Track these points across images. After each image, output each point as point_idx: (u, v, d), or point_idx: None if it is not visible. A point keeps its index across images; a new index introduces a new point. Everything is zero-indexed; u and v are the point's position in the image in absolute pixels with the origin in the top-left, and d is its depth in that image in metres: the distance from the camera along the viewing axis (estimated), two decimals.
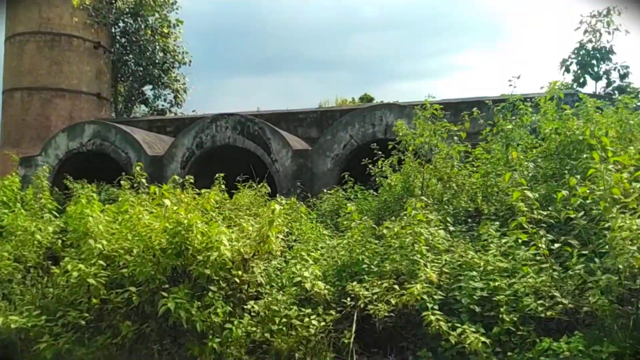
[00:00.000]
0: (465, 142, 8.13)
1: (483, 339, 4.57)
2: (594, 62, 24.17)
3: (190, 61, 23.79)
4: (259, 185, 9.39)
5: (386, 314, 4.97)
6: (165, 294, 4.85)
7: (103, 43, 21.41)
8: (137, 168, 7.48)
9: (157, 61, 22.44)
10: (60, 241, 7.34)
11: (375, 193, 9.45)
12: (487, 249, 5.92)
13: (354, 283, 5.60)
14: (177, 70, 23.85)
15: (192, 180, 8.13)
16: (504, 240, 5.80)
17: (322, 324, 5.24)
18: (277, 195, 10.16)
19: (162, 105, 24.13)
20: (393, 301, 4.98)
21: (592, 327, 4.51)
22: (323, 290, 5.46)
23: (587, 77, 19.20)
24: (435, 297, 5.10)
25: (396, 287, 5.19)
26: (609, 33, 17.17)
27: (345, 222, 6.97)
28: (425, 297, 5.01)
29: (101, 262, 5.24)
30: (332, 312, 5.34)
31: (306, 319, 5.18)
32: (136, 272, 5.07)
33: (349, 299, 5.45)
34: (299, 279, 5.67)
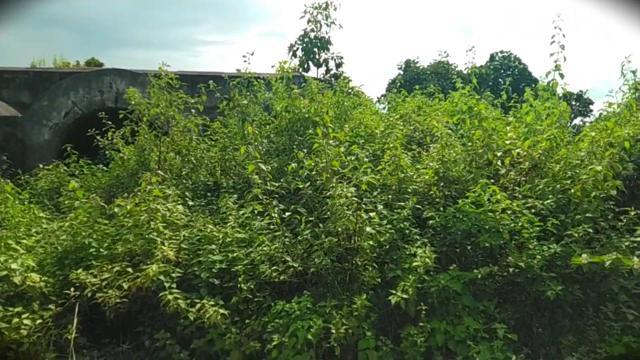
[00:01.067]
0: (203, 116, 8.00)
1: (222, 310, 4.59)
2: (316, 50, 27.24)
3: None
4: None
5: (118, 300, 4.50)
6: None
7: None
8: None
9: None
10: None
11: (105, 168, 8.53)
12: (226, 222, 5.97)
13: (79, 270, 4.91)
14: None
15: None
16: (241, 212, 5.93)
17: (38, 322, 4.43)
18: None
19: None
20: (125, 285, 4.55)
21: (318, 285, 5.03)
22: (38, 282, 4.61)
23: (310, 63, 21.47)
24: (173, 275, 4.87)
25: (129, 269, 4.76)
26: (327, 25, 19.49)
27: (67, 202, 6.04)
28: (162, 277, 4.73)
29: None
30: (52, 306, 4.56)
31: (15, 320, 4.29)
32: None
33: (72, 289, 4.75)
34: (4, 272, 4.64)
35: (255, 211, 5.76)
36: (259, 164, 5.10)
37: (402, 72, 32.53)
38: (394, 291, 4.50)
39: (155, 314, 5.09)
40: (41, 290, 4.69)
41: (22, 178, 8.77)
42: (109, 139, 8.34)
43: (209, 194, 7.59)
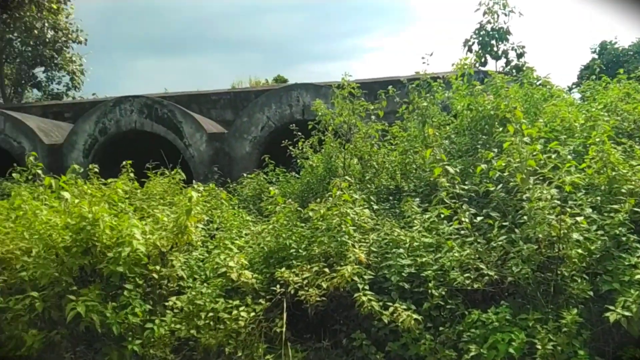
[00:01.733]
0: (383, 121, 8.16)
1: (415, 315, 4.59)
2: (493, 42, 25.67)
3: (85, 40, 21.88)
4: (173, 172, 8.82)
5: (317, 298, 4.82)
6: (73, 297, 4.32)
7: None
8: (31, 158, 6.65)
9: (47, 40, 20.35)
10: None
11: (297, 175, 9.27)
12: (411, 226, 5.97)
13: (283, 269, 5.40)
14: (71, 50, 21.82)
15: (96, 170, 7.44)
16: (426, 216, 5.87)
17: (252, 314, 5.00)
18: (193, 182, 9.64)
19: (58, 89, 22.04)
20: (324, 285, 4.84)
21: (516, 296, 4.70)
22: (250, 279, 5.20)
23: (488, 56, 20.30)
24: (365, 277, 5.04)
25: (326, 270, 5.06)
26: (505, 14, 18.20)
27: (269, 207, 6.71)
28: (355, 278, 4.93)
29: None
30: (262, 301, 5.10)
31: (234, 311, 4.91)
32: (37, 274, 4.47)
33: (278, 286, 5.24)
34: (223, 269, 5.35)
35: (442, 215, 5.65)
36: (446, 167, 4.98)
37: (597, 56, 28.74)
38: (611, 307, 3.96)
39: (350, 314, 5.33)
40: (253, 286, 5.28)
41: (230, 186, 10.06)
42: (300, 148, 9.07)
43: (390, 198, 7.71)
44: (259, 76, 22.43)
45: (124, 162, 8.03)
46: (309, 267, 5.22)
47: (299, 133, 9.07)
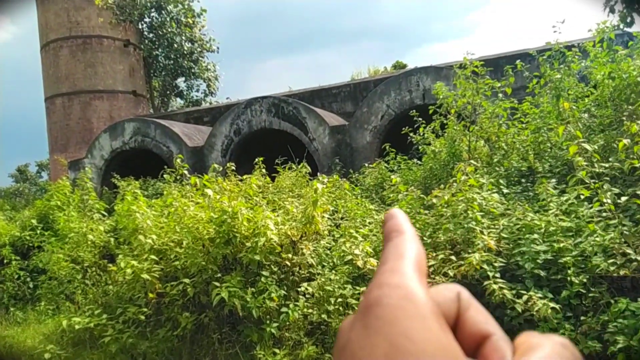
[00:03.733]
0: (510, 99, 7.68)
1: (552, 304, 4.31)
2: None
3: (217, 48, 23.81)
4: (299, 166, 9.28)
5: None
6: (217, 284, 4.83)
7: (132, 40, 21.70)
8: (178, 160, 7.49)
9: (185, 52, 22.55)
10: (113, 239, 7.51)
11: (419, 162, 9.16)
12: (546, 209, 5.58)
13: None
14: (206, 59, 23.94)
15: (233, 168, 8.11)
16: (564, 198, 5.44)
17: None
18: (318, 174, 10.03)
19: (197, 96, 24.35)
20: (451, 273, 4.76)
21: None
22: (376, 266, 5.29)
23: (635, 15, 17.96)
24: (495, 264, 4.84)
25: (453, 257, 4.96)
26: None
27: (391, 195, 6.75)
28: (485, 265, 4.76)
29: (153, 256, 5.27)
30: None
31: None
32: (188, 263, 5.07)
33: None
34: (349, 257, 5.53)
35: (581, 197, 5.20)
36: (582, 144, 4.56)
37: None
38: None
39: (479, 303, 5.17)
40: None
41: (353, 176, 10.28)
42: (421, 134, 8.94)
43: (522, 180, 7.25)
44: (377, 64, 22.39)
45: (256, 159, 8.66)
46: (434, 254, 5.16)
47: (420, 118, 8.93)
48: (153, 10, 22.00)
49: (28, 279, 8.99)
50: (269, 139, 14.57)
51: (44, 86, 21.49)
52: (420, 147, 8.85)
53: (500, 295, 4.54)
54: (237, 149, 14.27)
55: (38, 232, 8.83)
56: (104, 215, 7.70)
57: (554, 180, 6.36)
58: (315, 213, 5.11)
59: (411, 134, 9.14)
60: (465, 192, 5.42)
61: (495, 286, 4.57)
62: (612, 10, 21.62)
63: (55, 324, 7.16)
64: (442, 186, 6.25)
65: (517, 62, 7.36)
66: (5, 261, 9.10)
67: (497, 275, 4.76)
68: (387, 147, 9.75)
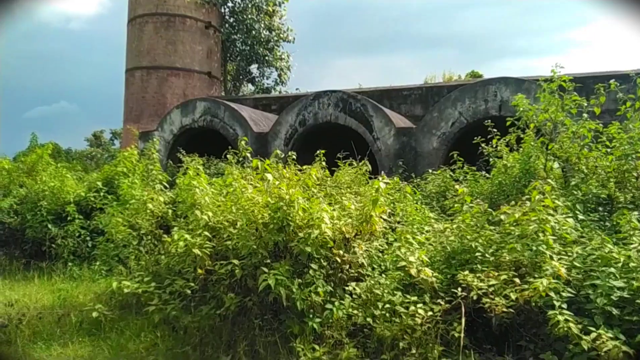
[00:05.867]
0: (597, 120, 7.10)
1: (625, 347, 3.88)
2: None
3: (294, 39, 24.00)
4: (360, 164, 9.08)
5: (504, 309, 4.42)
6: (266, 269, 4.74)
7: (213, 23, 22.26)
8: (242, 142, 7.51)
9: (262, 39, 22.88)
10: (170, 211, 7.65)
11: (487, 175, 8.70)
12: (625, 242, 5.09)
13: (466, 272, 5.09)
14: (281, 48, 24.18)
15: (294, 157, 8.04)
16: None
17: (429, 313, 4.82)
18: (381, 173, 9.78)
19: (267, 84, 24.68)
20: (513, 296, 4.40)
21: None
22: (431, 277, 5.02)
23: None
24: (563, 294, 4.44)
25: (516, 280, 4.60)
26: None
27: (455, 205, 6.40)
28: (551, 293, 4.37)
29: (206, 233, 5.27)
30: (441, 302, 4.89)
31: (412, 307, 4.80)
32: (239, 245, 5.02)
33: (459, 289, 4.96)
34: (403, 263, 5.28)
35: None
36: None
37: None
38: None
39: (538, 332, 4.78)
40: (432, 284, 5.10)
41: (414, 181, 9.94)
42: (494, 146, 8.47)
43: (599, 209, 6.70)
44: (452, 72, 21.73)
45: (317, 152, 8.55)
46: (496, 274, 4.81)
47: (495, 130, 8.48)
48: None
49: (88, 238, 9.38)
50: (333, 133, 14.46)
51: (127, 58, 22.51)
52: (490, 159, 8.39)
53: (565, 328, 4.15)
54: (300, 140, 14.28)
55: (102, 194, 9.19)
56: (165, 187, 7.87)
57: (635, 212, 5.83)
58: (374, 212, 4.90)
59: (483, 145, 8.70)
60: (539, 212, 5.01)
61: (560, 317, 4.17)
62: None
63: (107, 284, 7.41)
64: (512, 202, 5.84)
65: (611, 81, 6.74)
66: (69, 218, 9.55)
67: (564, 306, 4.36)
68: (454, 155, 9.34)
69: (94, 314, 5.77)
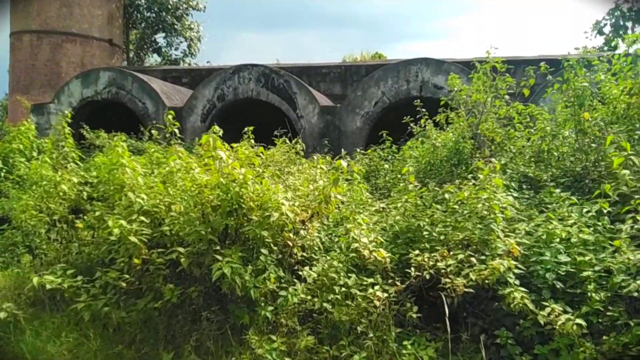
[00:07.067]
0: (527, 103, 7.46)
1: (579, 320, 4.06)
2: (629, 24, 22.93)
3: (204, 7, 22.67)
4: (293, 142, 8.79)
5: (464, 289, 4.44)
6: (219, 257, 4.32)
7: None
8: (169, 117, 6.86)
9: (169, 7, 21.32)
10: (84, 193, 6.80)
11: (415, 155, 8.83)
12: (561, 219, 5.37)
13: (416, 252, 5.06)
14: (190, 17, 22.73)
15: (220, 132, 7.54)
16: (584, 210, 5.24)
17: (384, 295, 4.73)
18: (306, 153, 9.55)
19: (175, 55, 23.16)
20: (473, 276, 4.43)
21: None
22: (384, 258, 4.93)
23: (619, 40, 18.55)
24: (515, 271, 4.56)
25: (473, 259, 4.65)
26: None
27: (400, 185, 6.36)
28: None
29: (143, 218, 4.69)
30: (398, 282, 4.82)
31: (370, 290, 4.67)
32: (184, 231, 4.52)
33: (412, 269, 4.92)
34: (356, 244, 5.13)
35: (603, 210, 5.02)
36: (631, 157, 4.31)
37: None
38: None
39: (486, 308, 4.91)
40: (385, 265, 5.01)
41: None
42: (422, 126, 8.60)
43: (523, 187, 7.07)
44: (355, 53, 21.85)
45: (245, 129, 8.09)
46: (450, 253, 4.83)
47: (423, 109, 8.60)
48: None
49: None
50: (252, 110, 13.93)
51: (11, 20, 19.80)
52: (421, 139, 8.52)
53: (521, 304, 4.27)
54: (219, 116, 13.56)
55: (2, 175, 7.93)
56: (78, 166, 6.96)
57: (558, 190, 6.21)
58: (333, 192, 4.65)
59: (412, 125, 8.81)
60: (487, 191, 5.10)
61: (517, 294, 4.28)
62: (600, 32, 21.91)
63: (9, 277, 6.44)
64: (456, 182, 5.93)
65: (542, 64, 7.06)
66: None
67: (517, 282, 4.49)
68: (384, 135, 9.37)
69: (2, 315, 4.95)
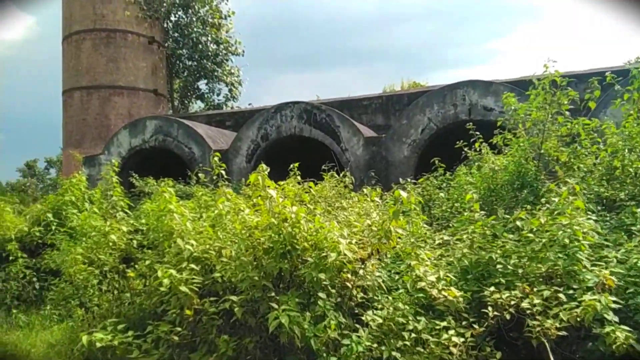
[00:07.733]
0: (590, 118, 6.86)
1: None
2: None
3: (243, 52, 23.19)
4: (341, 175, 8.47)
5: (557, 332, 3.86)
6: (275, 305, 3.96)
7: (157, 38, 21.13)
8: (215, 159, 6.70)
9: (209, 54, 21.92)
10: (134, 242, 6.68)
11: (471, 180, 8.29)
12: None
13: (492, 289, 4.53)
14: (230, 63, 23.30)
15: (267, 171, 7.30)
16: None
17: (462, 340, 4.21)
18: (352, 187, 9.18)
19: (218, 100, 23.65)
20: (564, 317, 3.86)
21: None
22: (457, 298, 4.42)
23: None
24: (612, 306, 3.96)
25: (561, 296, 4.08)
26: None
27: (464, 215, 5.85)
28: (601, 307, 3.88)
29: (193, 266, 4.42)
30: (474, 325, 4.29)
31: (444, 335, 4.17)
32: (236, 277, 4.21)
33: (490, 308, 4.38)
34: (422, 283, 4.65)
35: None
36: None
37: None
38: None
39: (578, 349, 4.28)
40: (458, 305, 4.50)
41: (389, 192, 9.39)
42: (477, 150, 8.11)
43: (598, 208, 6.41)
44: (395, 84, 21.57)
45: (291, 165, 7.84)
46: (534, 289, 4.28)
47: (477, 132, 8.12)
48: (180, 8, 21.45)
49: (34, 279, 8.14)
50: (297, 147, 13.79)
51: (63, 79, 20.86)
52: (477, 163, 8.00)
53: (626, 345, 3.66)
54: (263, 155, 13.48)
55: (53, 228, 7.98)
56: (127, 215, 6.87)
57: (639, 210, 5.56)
58: (393, 226, 4.24)
59: (466, 149, 8.33)
60: (569, 216, 4.55)
61: (619, 334, 3.68)
62: None
63: (63, 331, 6.30)
64: (528, 207, 5.39)
65: (607, 73, 6.50)
66: (10, 258, 8.26)
67: (616, 319, 3.89)
68: (436, 162, 8.90)
69: None
